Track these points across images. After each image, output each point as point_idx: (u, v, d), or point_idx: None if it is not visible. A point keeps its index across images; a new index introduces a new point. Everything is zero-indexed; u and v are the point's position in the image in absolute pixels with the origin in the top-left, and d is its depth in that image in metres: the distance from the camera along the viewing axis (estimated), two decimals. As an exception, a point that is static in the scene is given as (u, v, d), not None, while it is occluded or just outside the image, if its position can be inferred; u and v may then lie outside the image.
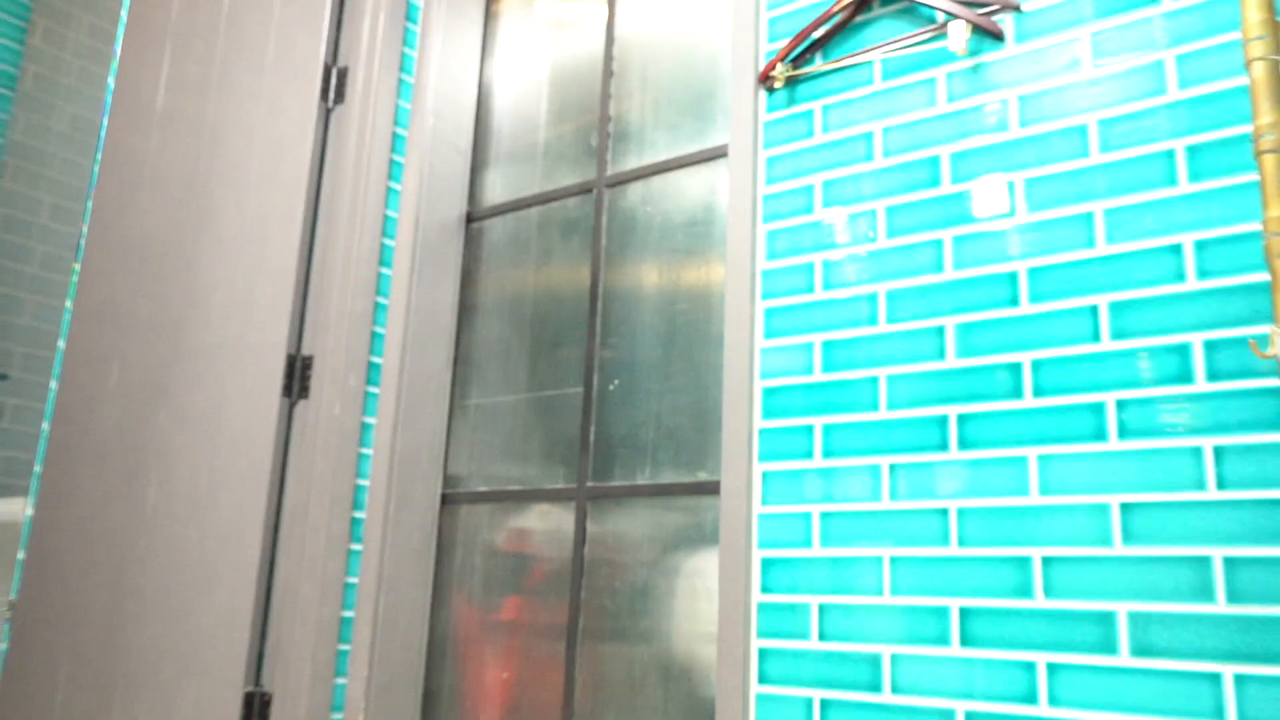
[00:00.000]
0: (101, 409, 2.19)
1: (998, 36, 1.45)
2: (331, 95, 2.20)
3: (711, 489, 1.72)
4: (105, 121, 2.38)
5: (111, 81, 2.40)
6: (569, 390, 1.98)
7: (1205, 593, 1.17)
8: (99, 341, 2.26)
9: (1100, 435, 1.27)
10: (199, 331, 2.14)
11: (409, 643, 1.98)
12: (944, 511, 1.37)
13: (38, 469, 2.17)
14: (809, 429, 1.51)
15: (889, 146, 1.54)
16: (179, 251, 2.23)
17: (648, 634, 1.75)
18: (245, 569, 1.92)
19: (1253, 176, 1.25)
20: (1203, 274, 1.26)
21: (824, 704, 1.40)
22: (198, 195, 2.24)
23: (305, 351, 2.06)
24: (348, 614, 1.94)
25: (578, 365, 1.98)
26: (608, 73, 2.10)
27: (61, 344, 2.27)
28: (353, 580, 1.96)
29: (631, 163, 2.02)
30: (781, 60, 1.64)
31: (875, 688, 1.36)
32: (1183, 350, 1.25)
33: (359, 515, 1.99)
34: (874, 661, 1.37)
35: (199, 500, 2.01)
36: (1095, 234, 1.34)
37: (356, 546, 1.98)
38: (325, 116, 2.19)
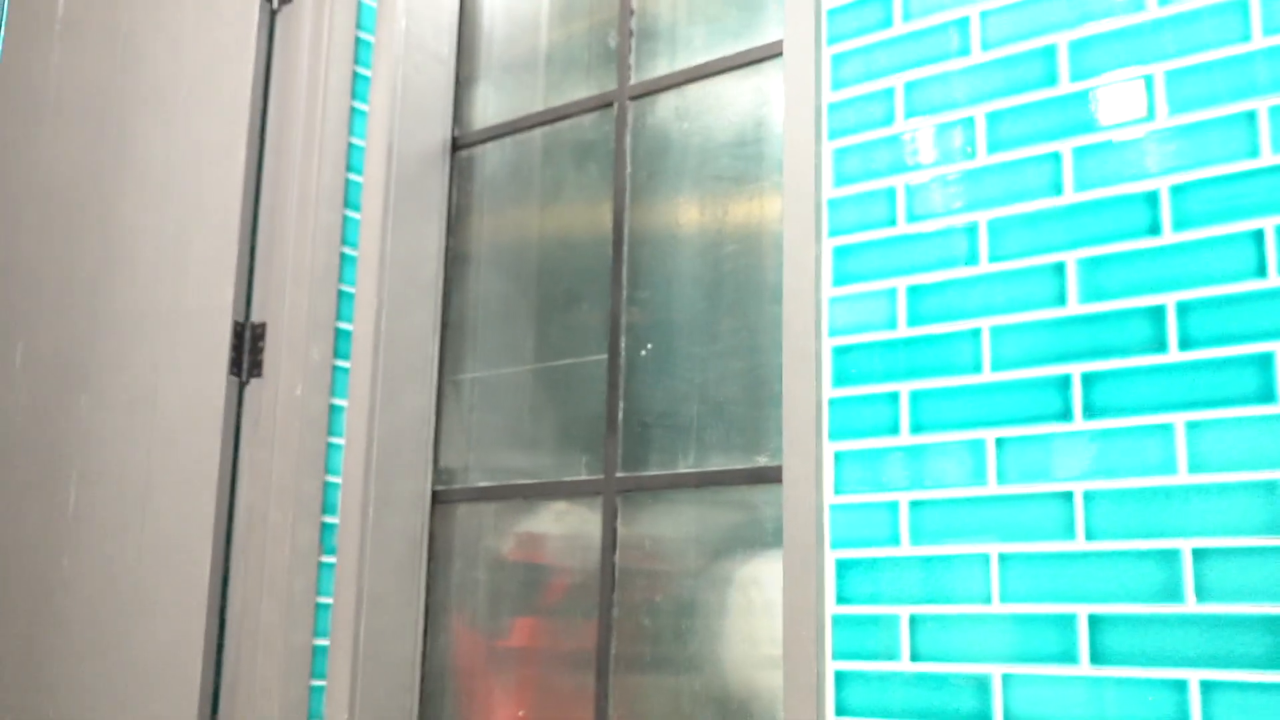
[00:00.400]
0: (5, 395, 2.23)
1: (1128, -111, 1.44)
2: (277, -7, 2.21)
3: (773, 476, 1.74)
4: (-4, 35, 2.40)
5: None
6: (590, 358, 2.00)
7: (1403, 590, 1.18)
8: (-1, 312, 2.29)
9: (1268, 395, 1.28)
10: (123, 297, 2.17)
11: (398, 676, 2.02)
12: (1067, 496, 1.38)
13: (-69, 472, 2.22)
14: (893, 397, 1.52)
15: (990, 36, 1.53)
16: (93, 197, 2.25)
17: (696, 660, 1.78)
18: (192, 589, 1.96)
19: None
20: (1397, 186, 1.25)
21: (920, 739, 1.42)
22: (113, 125, 2.26)
23: (256, 318, 2.09)
24: (321, 642, 1.98)
25: (600, 327, 1.99)
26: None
27: (-47, 316, 2.30)
28: (325, 600, 2.00)
29: (662, 68, 2.02)
30: (849, -71, 1.63)
31: (984, 717, 1.38)
32: (1372, 284, 1.25)
33: (330, 520, 2.02)
34: (982, 685, 1.39)
35: (132, 505, 2.05)
36: (1259, 139, 1.33)
37: (329, 559, 2.01)
38: (270, 19, 2.20)
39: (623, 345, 1.95)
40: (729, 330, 1.84)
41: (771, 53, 1.89)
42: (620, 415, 1.93)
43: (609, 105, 2.07)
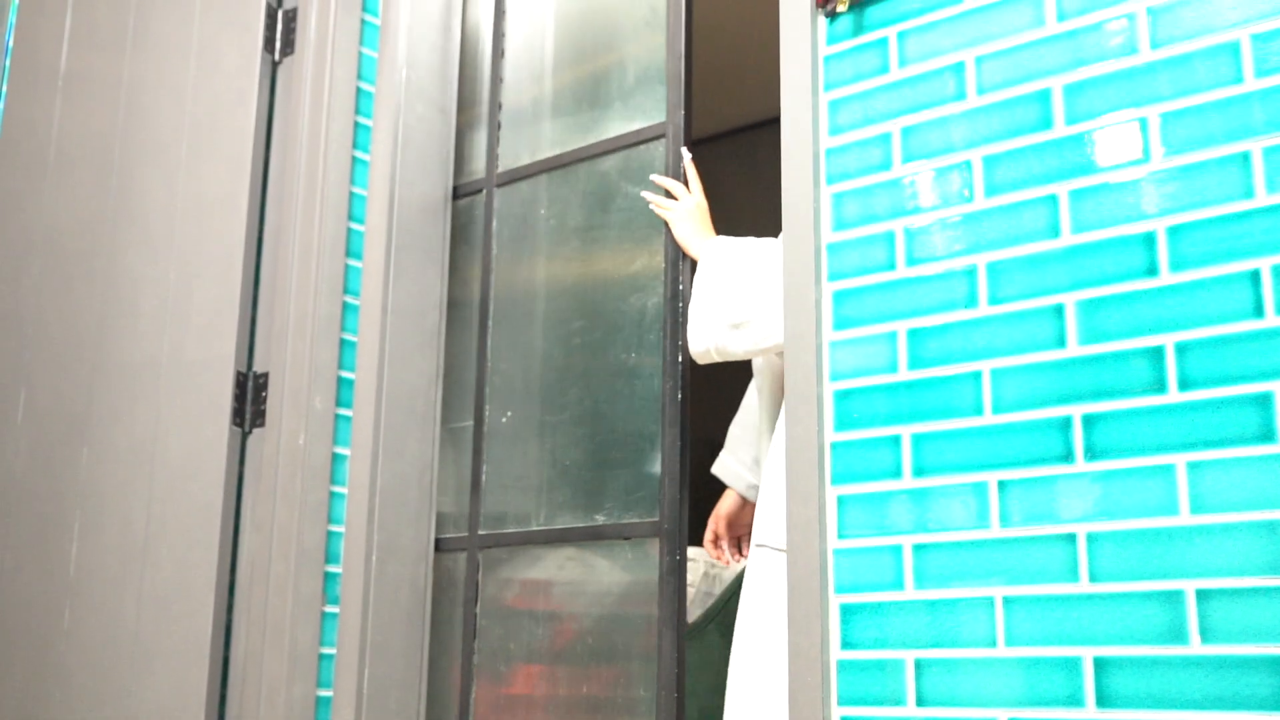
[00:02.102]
0: (7, 447, 2.26)
1: (1117, -64, 1.48)
2: (278, 44, 2.25)
3: (611, 534, 1.92)
4: (2, 88, 2.46)
5: (9, 39, 2.48)
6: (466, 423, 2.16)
7: None
8: (0, 364, 2.33)
9: (1268, 435, 1.29)
10: (125, 347, 2.20)
11: (401, 727, 2.02)
12: (1070, 538, 1.39)
13: (-67, 525, 2.24)
14: (895, 440, 1.54)
15: (985, 80, 1.57)
16: (96, 248, 2.29)
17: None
18: (195, 641, 1.97)
19: None
20: (1390, 226, 1.27)
21: (928, 786, 1.43)
22: (115, 176, 2.31)
23: (258, 368, 2.12)
24: (324, 693, 1.99)
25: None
26: (499, 35, 2.28)
27: (-44, 369, 2.33)
28: (329, 651, 2.01)
29: (525, 158, 2.23)
30: (844, -23, 1.67)
31: (992, 763, 1.39)
32: (1368, 323, 1.27)
33: (333, 570, 2.04)
34: (989, 730, 1.40)
35: (134, 557, 2.07)
36: (1254, 179, 1.35)
37: (332, 609, 2.03)
38: (271, 71, 2.24)
39: (486, 412, 2.14)
40: (575, 400, 2.05)
41: (613, 146, 2.08)
42: (484, 477, 2.12)
43: (479, 192, 2.27)
